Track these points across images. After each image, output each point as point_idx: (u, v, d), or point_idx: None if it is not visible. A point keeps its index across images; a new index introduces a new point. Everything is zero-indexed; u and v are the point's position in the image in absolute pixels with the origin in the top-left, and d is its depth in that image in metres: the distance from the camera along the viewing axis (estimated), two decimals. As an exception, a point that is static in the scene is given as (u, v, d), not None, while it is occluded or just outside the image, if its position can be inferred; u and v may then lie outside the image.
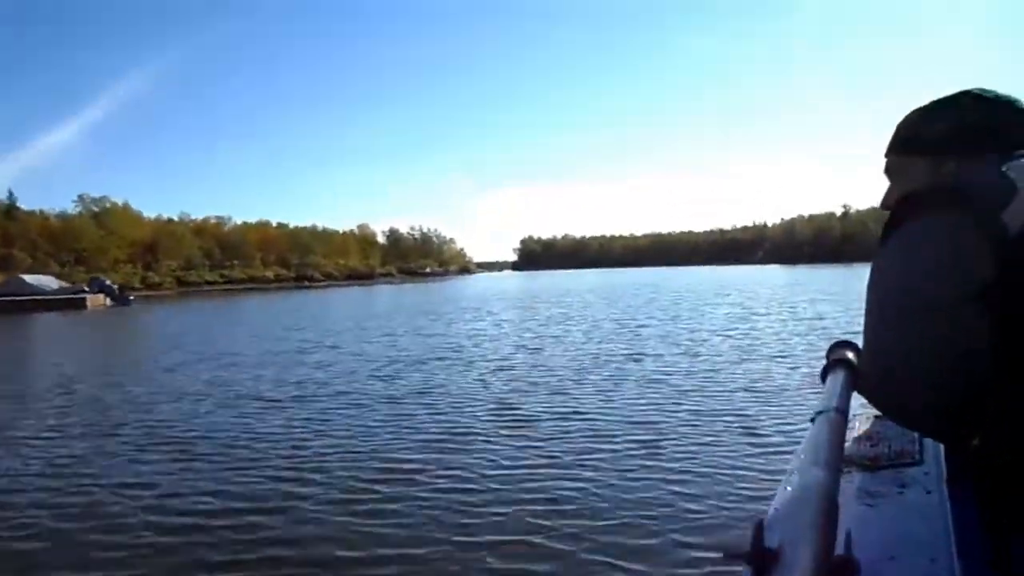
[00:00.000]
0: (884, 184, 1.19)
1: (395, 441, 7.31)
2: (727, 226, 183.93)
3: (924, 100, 1.12)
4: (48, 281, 60.33)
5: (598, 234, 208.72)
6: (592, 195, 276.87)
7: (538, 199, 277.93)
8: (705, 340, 15.16)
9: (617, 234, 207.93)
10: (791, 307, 24.27)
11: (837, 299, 27.19)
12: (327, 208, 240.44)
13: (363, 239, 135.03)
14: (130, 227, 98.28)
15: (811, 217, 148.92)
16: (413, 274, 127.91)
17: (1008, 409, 0.79)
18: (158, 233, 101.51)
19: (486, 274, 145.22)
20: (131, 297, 57.37)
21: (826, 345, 1.27)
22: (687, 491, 5.25)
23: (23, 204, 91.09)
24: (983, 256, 0.81)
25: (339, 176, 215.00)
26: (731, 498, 5.08)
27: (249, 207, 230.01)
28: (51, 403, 10.51)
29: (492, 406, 8.96)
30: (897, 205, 0.99)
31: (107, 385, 12.10)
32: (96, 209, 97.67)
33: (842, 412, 0.93)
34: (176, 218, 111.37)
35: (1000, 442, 0.80)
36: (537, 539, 4.50)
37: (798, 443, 0.77)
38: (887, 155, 1.17)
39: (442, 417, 8.46)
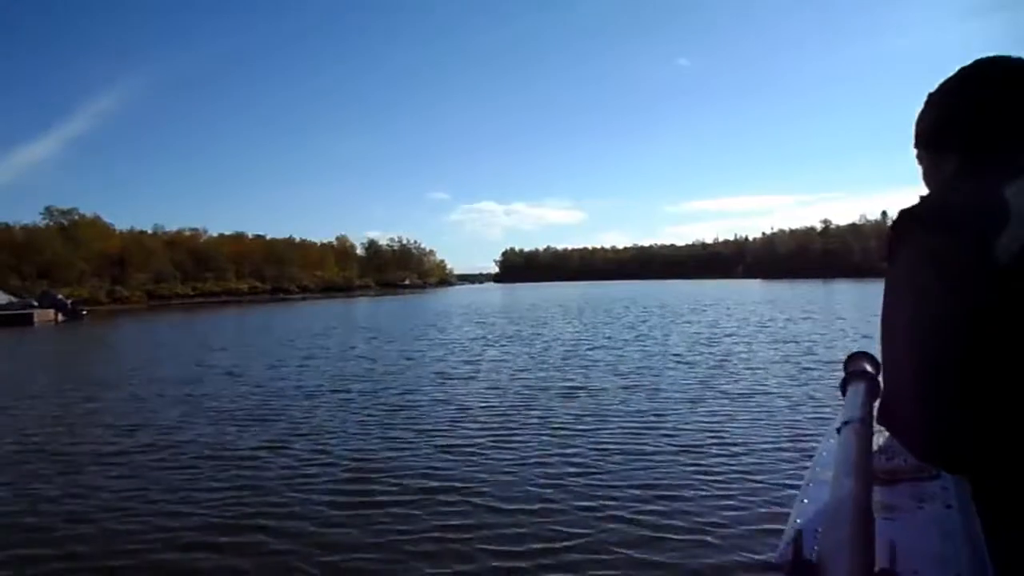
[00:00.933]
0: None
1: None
2: (709, 239, 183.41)
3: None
4: (-7, 296, 57.25)
5: (580, 247, 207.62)
6: (572, 210, 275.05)
7: (520, 212, 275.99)
8: (657, 370, 13.23)
9: (599, 247, 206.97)
10: (764, 326, 22.38)
11: (815, 317, 25.43)
12: (307, 222, 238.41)
13: (341, 251, 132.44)
14: (99, 240, 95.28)
15: (792, 232, 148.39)
16: (392, 286, 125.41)
17: (999, 437, 0.79)
18: (128, 245, 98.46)
19: (467, 286, 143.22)
20: (84, 312, 54.74)
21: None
22: None
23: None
24: (976, 284, 0.81)
25: (320, 190, 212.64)
26: None
27: (228, 220, 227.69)
28: None
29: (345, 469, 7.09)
30: (895, 224, 0.96)
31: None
32: (64, 222, 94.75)
33: (866, 423, 0.94)
34: (150, 230, 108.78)
35: (993, 468, 0.80)
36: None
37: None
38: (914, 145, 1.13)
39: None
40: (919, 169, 1.10)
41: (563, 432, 8.25)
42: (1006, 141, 0.93)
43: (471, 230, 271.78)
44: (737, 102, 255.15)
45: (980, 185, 0.88)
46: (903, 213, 0.94)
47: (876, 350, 1.07)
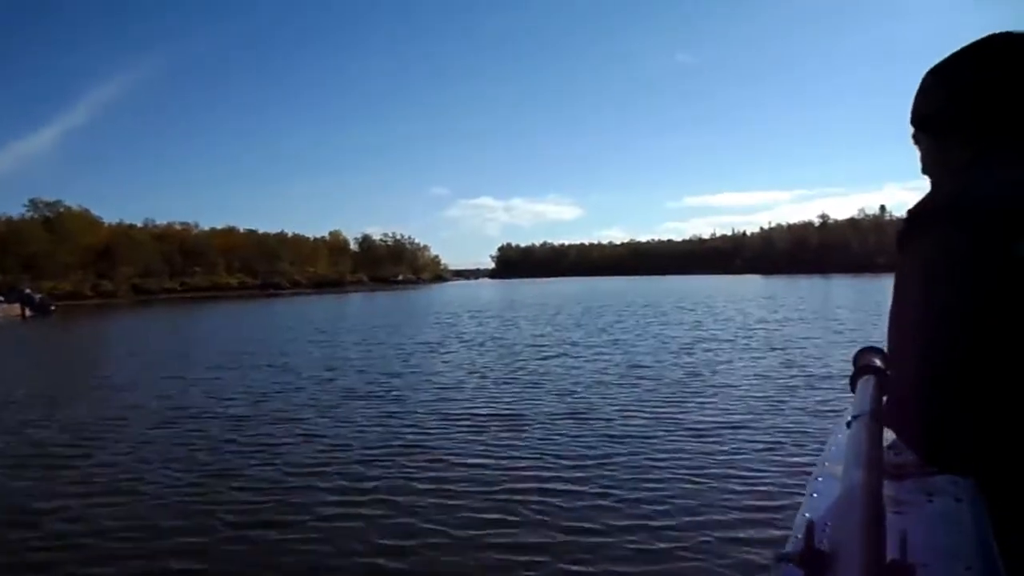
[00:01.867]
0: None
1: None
2: (707, 235, 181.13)
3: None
4: (-44, 290, 54.91)
5: (576, 242, 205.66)
6: (571, 206, 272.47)
7: (518, 208, 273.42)
8: (610, 388, 10.92)
9: (596, 242, 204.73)
10: (751, 329, 20.05)
11: (809, 318, 23.04)
12: (305, 217, 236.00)
13: (334, 246, 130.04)
14: (85, 232, 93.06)
15: (790, 227, 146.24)
16: (385, 282, 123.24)
17: (1007, 438, 0.79)
18: (114, 239, 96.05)
19: (461, 282, 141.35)
20: (53, 307, 52.48)
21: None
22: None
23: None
24: (994, 280, 0.80)
25: (319, 185, 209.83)
26: None
27: (225, 215, 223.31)
28: None
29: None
30: (907, 220, 0.94)
31: None
32: (49, 214, 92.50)
33: (876, 417, 0.94)
34: (140, 224, 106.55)
35: (999, 470, 0.80)
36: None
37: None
38: (911, 124, 1.09)
39: None
40: (917, 153, 1.07)
41: (450, 490, 5.97)
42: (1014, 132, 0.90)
43: (470, 226, 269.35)
44: (736, 97, 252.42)
45: (995, 176, 0.86)
46: (915, 208, 0.91)
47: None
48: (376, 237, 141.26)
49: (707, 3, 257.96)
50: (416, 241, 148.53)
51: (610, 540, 4.75)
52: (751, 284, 67.64)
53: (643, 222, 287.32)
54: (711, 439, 7.39)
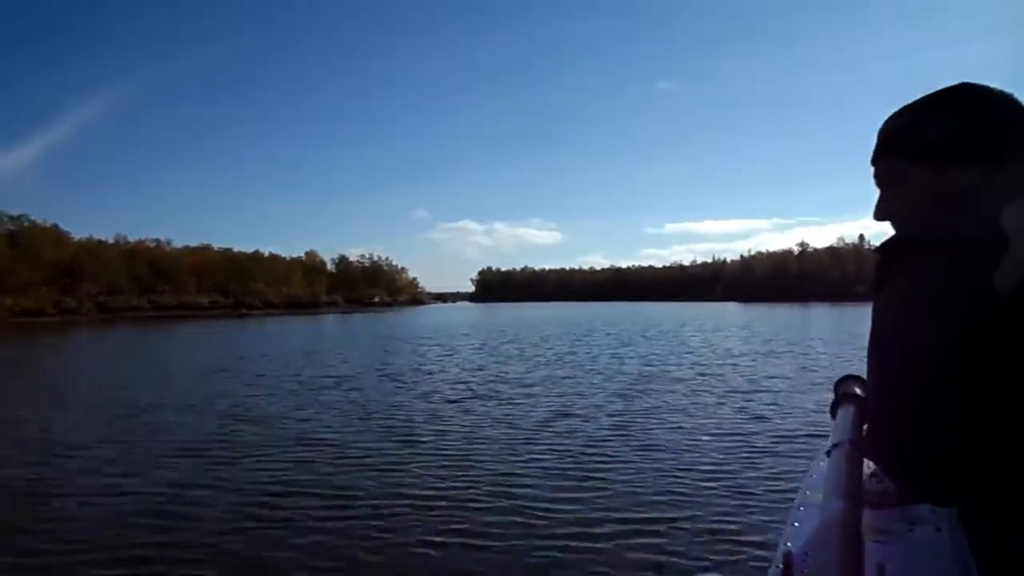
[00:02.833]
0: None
1: None
2: (687, 262, 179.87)
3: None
4: None
5: (558, 267, 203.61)
6: (552, 230, 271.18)
7: (499, 232, 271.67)
8: (523, 447, 8.51)
9: (577, 268, 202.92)
10: (716, 366, 17.69)
11: (784, 351, 20.71)
12: (284, 238, 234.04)
13: (310, 266, 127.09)
14: (50, 248, 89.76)
15: (769, 255, 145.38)
16: (361, 304, 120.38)
17: (989, 471, 0.78)
18: (80, 254, 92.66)
19: (438, 305, 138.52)
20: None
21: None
22: None
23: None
24: (972, 314, 0.79)
25: (299, 206, 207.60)
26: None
27: (204, 234, 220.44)
28: None
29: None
30: (888, 251, 0.93)
31: None
32: (13, 228, 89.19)
33: (856, 445, 0.93)
34: (112, 240, 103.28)
35: (980, 501, 0.80)
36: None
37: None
38: (876, 161, 1.05)
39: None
40: (888, 182, 1.02)
41: None
42: (1017, 160, 0.90)
43: (450, 249, 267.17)
44: (716, 125, 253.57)
45: (977, 208, 0.85)
46: (895, 238, 0.91)
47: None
48: (353, 258, 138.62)
49: (687, 32, 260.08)
50: (393, 263, 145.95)
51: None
52: (728, 312, 65.77)
53: (624, 247, 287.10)
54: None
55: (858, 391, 1.17)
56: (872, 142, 1.02)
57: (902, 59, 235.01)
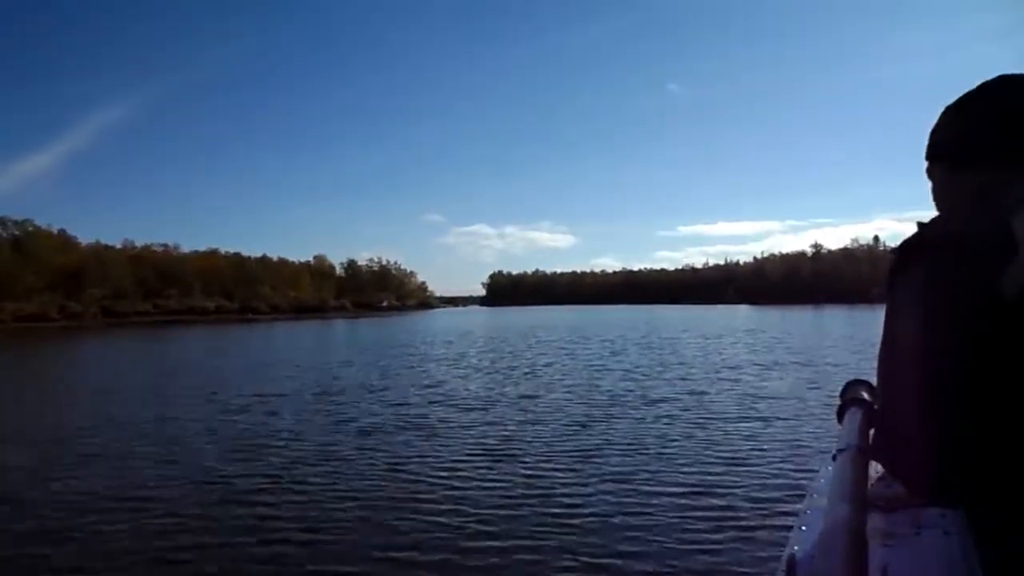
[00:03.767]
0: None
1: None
2: (699, 264, 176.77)
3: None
4: None
5: (568, 270, 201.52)
6: (564, 234, 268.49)
7: (512, 236, 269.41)
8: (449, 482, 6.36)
9: (588, 271, 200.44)
10: (710, 383, 15.43)
11: (787, 365, 18.31)
12: (296, 243, 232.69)
13: (319, 271, 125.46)
14: (56, 253, 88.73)
15: (782, 257, 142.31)
16: (369, 308, 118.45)
17: (994, 472, 0.79)
18: (86, 259, 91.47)
19: (448, 309, 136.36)
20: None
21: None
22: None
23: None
24: (980, 315, 0.80)
25: (313, 211, 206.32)
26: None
27: (218, 239, 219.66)
28: None
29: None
30: (901, 251, 0.94)
31: None
32: (18, 233, 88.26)
33: (862, 450, 0.94)
34: (119, 245, 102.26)
35: (990, 502, 0.80)
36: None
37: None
38: (926, 159, 1.10)
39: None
40: (928, 185, 1.06)
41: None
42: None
43: (464, 253, 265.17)
44: (728, 127, 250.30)
45: (989, 212, 0.85)
46: (909, 240, 0.92)
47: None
48: (362, 262, 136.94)
49: (697, 36, 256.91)
50: (403, 267, 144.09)
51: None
52: (739, 315, 63.26)
53: (636, 250, 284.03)
54: None
55: (865, 395, 1.16)
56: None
57: (918, 61, 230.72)
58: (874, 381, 1.07)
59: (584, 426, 9.79)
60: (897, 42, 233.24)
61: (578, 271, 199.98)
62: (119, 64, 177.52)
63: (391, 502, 6.30)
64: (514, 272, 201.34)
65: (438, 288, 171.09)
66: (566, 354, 22.85)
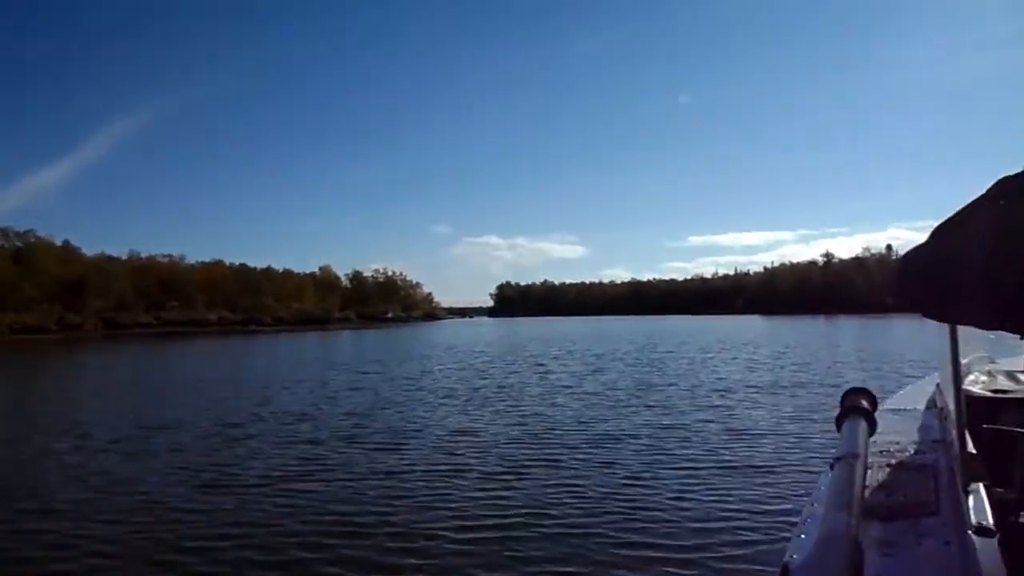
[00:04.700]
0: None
1: None
2: (708, 274, 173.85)
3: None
4: None
5: (577, 281, 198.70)
6: (574, 244, 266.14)
7: (522, 246, 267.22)
8: None
9: (597, 281, 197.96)
10: (678, 419, 13.34)
11: (787, 387, 16.11)
12: (304, 254, 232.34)
13: (323, 282, 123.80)
14: (56, 264, 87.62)
15: (792, 266, 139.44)
16: (374, 319, 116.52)
17: None
18: (87, 270, 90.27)
19: (454, 320, 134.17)
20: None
21: None
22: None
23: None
24: None
25: (319, 222, 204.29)
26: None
27: (222, 251, 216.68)
28: None
29: None
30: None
31: None
32: (20, 244, 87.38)
33: (861, 458, 0.94)
34: (125, 256, 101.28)
35: None
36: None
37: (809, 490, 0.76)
38: None
39: None
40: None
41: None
42: None
43: (473, 263, 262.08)
44: (739, 137, 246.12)
45: None
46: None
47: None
48: (367, 273, 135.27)
49: (706, 47, 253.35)
50: (408, 278, 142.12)
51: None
52: (747, 326, 60.77)
53: (647, 261, 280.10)
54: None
55: (864, 403, 1.14)
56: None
57: (929, 69, 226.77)
58: (873, 391, 1.11)
59: (513, 478, 7.70)
60: (910, 50, 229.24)
61: (587, 282, 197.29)
62: (130, 79, 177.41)
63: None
64: (523, 283, 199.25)
65: (448, 299, 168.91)
66: (539, 373, 20.74)
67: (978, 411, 1.61)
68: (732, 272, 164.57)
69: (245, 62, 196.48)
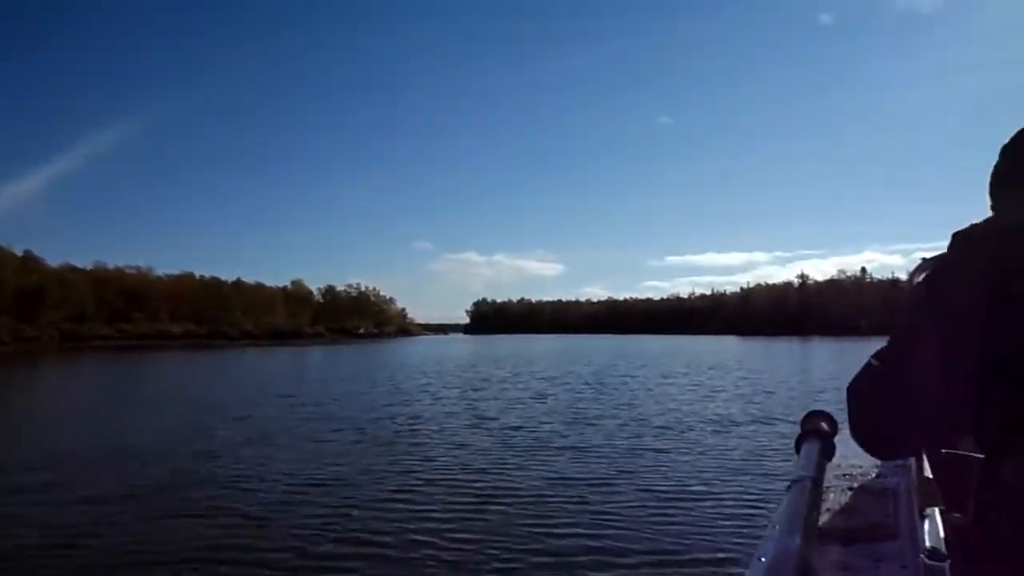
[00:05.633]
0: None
1: None
2: (685, 294, 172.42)
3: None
4: None
5: (554, 299, 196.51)
6: (554, 262, 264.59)
7: (501, 263, 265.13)
8: None
9: (574, 299, 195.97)
10: (606, 472, 10.94)
11: (740, 424, 13.78)
12: (282, 269, 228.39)
13: (295, 296, 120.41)
14: (15, 274, 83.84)
15: (769, 287, 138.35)
16: (346, 334, 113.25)
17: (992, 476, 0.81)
18: (45, 281, 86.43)
19: (427, 337, 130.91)
20: None
21: None
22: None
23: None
24: (976, 300, 0.85)
25: (296, 237, 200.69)
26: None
27: (200, 265, 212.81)
28: None
29: None
30: (952, 239, 1.01)
31: None
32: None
33: (816, 481, 0.94)
34: (90, 267, 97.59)
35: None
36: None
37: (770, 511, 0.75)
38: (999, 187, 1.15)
39: None
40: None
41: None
42: None
43: (453, 280, 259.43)
44: (717, 159, 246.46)
45: (1017, 228, 0.92)
46: (961, 232, 0.99)
47: None
48: (340, 288, 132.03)
49: (686, 70, 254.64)
50: (382, 293, 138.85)
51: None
52: (720, 348, 58.79)
53: (625, 280, 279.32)
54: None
55: (824, 426, 1.13)
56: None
57: (904, 91, 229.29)
58: (835, 415, 1.13)
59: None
60: (889, 74, 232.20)
61: (564, 299, 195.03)
62: (107, 92, 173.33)
63: None
64: (501, 300, 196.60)
65: (427, 315, 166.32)
66: (469, 401, 18.11)
67: None
68: (709, 292, 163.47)
69: (223, 76, 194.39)
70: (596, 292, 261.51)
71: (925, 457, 1.04)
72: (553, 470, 9.15)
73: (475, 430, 12.61)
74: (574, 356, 42.23)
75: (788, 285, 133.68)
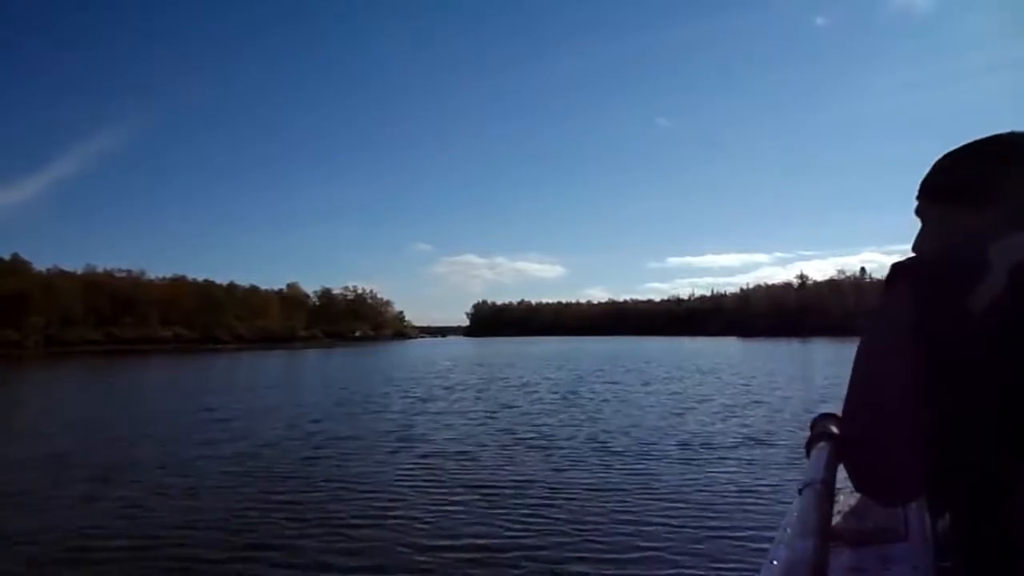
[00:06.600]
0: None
1: None
2: (685, 295, 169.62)
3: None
4: None
5: (554, 301, 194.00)
6: (554, 265, 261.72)
7: (502, 266, 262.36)
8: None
9: (574, 302, 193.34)
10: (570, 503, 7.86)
11: (732, 444, 10.83)
12: (279, 273, 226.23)
13: (291, 299, 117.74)
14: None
15: (768, 288, 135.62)
16: (342, 338, 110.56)
17: (962, 489, 0.80)
18: (29, 285, 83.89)
19: (425, 339, 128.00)
20: None
21: None
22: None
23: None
24: (942, 332, 0.83)
25: (294, 240, 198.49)
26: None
27: (196, 268, 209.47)
28: None
29: None
30: (888, 275, 0.97)
31: None
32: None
33: (828, 484, 0.94)
34: (80, 270, 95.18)
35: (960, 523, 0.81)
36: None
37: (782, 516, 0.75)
38: (917, 197, 1.12)
39: None
40: (918, 221, 1.10)
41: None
42: (1008, 203, 0.95)
43: (453, 283, 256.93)
44: (716, 160, 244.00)
45: (975, 241, 0.90)
46: (899, 261, 0.96)
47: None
48: (336, 291, 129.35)
49: (684, 71, 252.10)
50: (379, 296, 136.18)
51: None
52: (719, 349, 56.01)
53: (626, 281, 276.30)
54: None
55: (833, 429, 1.10)
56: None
57: (902, 96, 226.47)
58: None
59: None
60: (887, 77, 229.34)
61: (564, 302, 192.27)
62: (101, 97, 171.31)
63: None
64: (501, 302, 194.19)
65: (427, 318, 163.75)
66: (407, 415, 14.92)
67: None
68: (709, 293, 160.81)
69: (216, 79, 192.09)
70: (597, 294, 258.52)
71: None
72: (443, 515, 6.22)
73: (386, 453, 9.66)
74: (564, 360, 39.40)
75: (787, 286, 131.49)
